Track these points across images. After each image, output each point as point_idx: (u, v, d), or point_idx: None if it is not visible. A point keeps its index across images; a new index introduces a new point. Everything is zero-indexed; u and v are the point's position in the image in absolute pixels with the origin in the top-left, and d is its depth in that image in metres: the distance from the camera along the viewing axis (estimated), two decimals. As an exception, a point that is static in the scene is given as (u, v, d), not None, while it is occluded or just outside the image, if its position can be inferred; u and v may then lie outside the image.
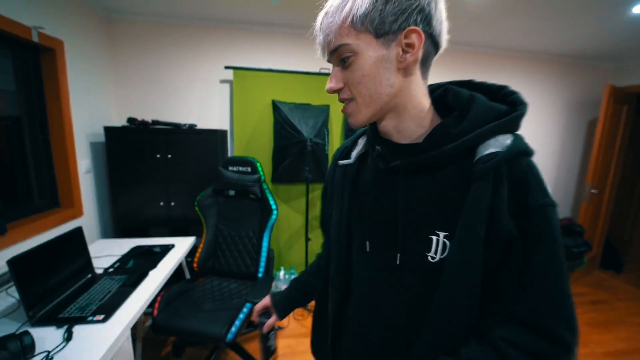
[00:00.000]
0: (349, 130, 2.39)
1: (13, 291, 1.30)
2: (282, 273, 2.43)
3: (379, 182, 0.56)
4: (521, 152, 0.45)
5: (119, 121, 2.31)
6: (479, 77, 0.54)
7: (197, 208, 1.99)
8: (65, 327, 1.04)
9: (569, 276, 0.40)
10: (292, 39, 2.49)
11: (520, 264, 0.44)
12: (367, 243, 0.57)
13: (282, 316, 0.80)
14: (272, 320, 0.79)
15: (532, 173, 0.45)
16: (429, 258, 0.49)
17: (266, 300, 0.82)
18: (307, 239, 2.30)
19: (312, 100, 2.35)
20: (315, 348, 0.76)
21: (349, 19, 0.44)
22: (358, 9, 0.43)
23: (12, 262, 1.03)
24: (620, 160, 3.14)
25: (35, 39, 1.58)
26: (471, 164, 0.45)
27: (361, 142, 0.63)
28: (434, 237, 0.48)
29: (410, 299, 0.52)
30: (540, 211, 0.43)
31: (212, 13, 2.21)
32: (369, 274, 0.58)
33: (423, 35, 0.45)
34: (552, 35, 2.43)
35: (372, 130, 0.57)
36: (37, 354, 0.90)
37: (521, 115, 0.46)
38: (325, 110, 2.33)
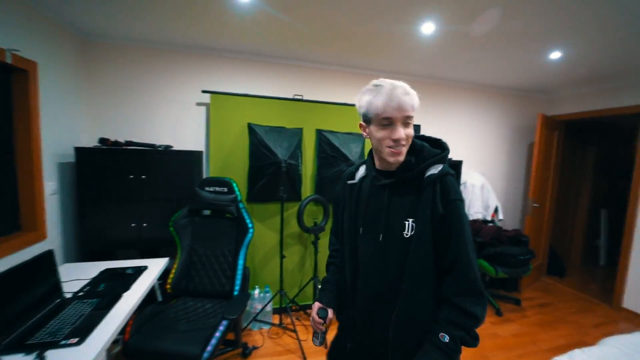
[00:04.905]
0: (321, 152, 2.55)
1: (-27, 320, 1.23)
2: (256, 292, 2.45)
3: (373, 192, 0.92)
4: (446, 174, 0.83)
5: (91, 142, 2.28)
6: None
7: (171, 228, 2.00)
8: (36, 353, 1.02)
9: (473, 245, 0.84)
10: (268, 67, 2.66)
11: (447, 231, 0.81)
12: (361, 229, 0.93)
13: (334, 308, 1.03)
14: (330, 313, 1.01)
15: (451, 184, 0.83)
16: (404, 235, 0.84)
17: (317, 304, 1.03)
18: (282, 257, 2.36)
19: (286, 123, 2.50)
20: (339, 314, 1.04)
21: (414, 105, 0.82)
22: (416, 103, 0.82)
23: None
24: (557, 178, 3.62)
25: (9, 61, 1.58)
26: (422, 180, 0.84)
27: (361, 169, 0.99)
28: (406, 222, 0.84)
29: (393, 261, 0.86)
30: (454, 202, 0.82)
31: (189, 40, 2.32)
32: (366, 249, 0.93)
33: None
34: (494, 71, 2.84)
35: (371, 163, 0.94)
36: (10, 379, 0.89)
37: (446, 155, 0.87)
38: (298, 133, 2.48)
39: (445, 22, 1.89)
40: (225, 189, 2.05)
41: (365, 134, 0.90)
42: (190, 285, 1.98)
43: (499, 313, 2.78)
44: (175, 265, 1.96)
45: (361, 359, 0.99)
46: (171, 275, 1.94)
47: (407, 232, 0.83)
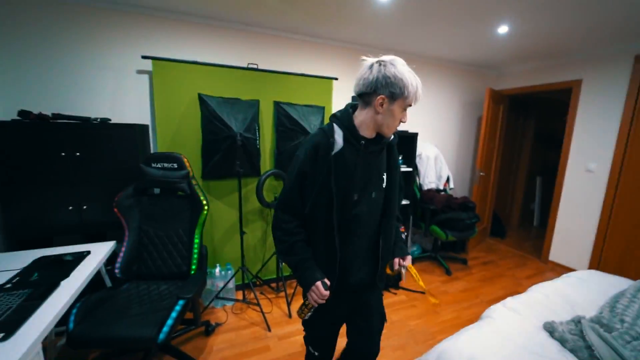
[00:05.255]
0: (279, 125, 2.47)
1: None
2: (217, 270, 2.40)
3: (365, 158, 1.03)
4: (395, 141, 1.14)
5: (6, 115, 1.95)
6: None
7: (115, 210, 1.83)
8: (-50, 352, 0.90)
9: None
10: (218, 31, 2.44)
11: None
12: (356, 195, 1.03)
13: (329, 276, 1.05)
14: (328, 281, 1.04)
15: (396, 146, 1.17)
16: (383, 186, 1.10)
17: (317, 283, 1.01)
18: (242, 233, 2.31)
19: (241, 94, 2.35)
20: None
21: None
22: None
23: None
24: (500, 149, 3.93)
25: None
26: (388, 144, 1.09)
27: (338, 140, 1.00)
28: (384, 177, 1.10)
29: (380, 209, 1.12)
30: (398, 156, 1.15)
31: (122, -3, 2.02)
32: (362, 209, 1.05)
33: None
34: (447, 44, 2.90)
35: (354, 133, 1.00)
36: None
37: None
38: (254, 105, 2.36)
39: (401, -11, 1.84)
40: (175, 165, 1.91)
41: (381, 108, 0.95)
42: (142, 268, 1.86)
43: (448, 272, 3.05)
44: (123, 249, 1.83)
45: (346, 295, 1.13)
46: (119, 260, 1.80)
47: (384, 185, 1.10)
